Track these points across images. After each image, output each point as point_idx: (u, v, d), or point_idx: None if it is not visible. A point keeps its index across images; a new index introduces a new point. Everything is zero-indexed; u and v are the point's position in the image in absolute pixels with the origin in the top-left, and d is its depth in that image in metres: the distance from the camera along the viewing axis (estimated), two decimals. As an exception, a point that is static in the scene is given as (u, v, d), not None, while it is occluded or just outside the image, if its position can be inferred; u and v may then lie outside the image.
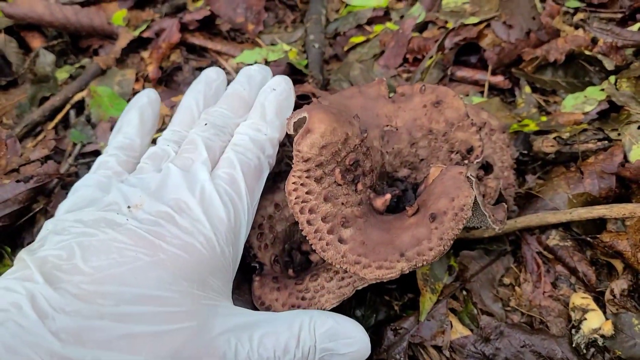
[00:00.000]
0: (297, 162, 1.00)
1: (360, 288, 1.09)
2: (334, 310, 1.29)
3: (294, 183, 1.01)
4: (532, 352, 1.19)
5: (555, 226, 1.37)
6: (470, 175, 1.06)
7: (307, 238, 1.03)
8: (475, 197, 1.03)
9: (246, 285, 1.18)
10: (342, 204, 1.03)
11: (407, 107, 1.26)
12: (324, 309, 1.06)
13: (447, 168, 1.10)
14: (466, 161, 1.23)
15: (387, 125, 1.24)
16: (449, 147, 1.23)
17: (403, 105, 1.26)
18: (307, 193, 1.01)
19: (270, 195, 1.19)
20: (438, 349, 1.22)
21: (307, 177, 1.01)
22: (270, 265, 1.16)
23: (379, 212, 1.11)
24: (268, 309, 1.08)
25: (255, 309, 1.13)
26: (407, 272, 0.99)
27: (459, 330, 1.25)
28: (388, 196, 1.09)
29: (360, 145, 1.04)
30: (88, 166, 1.55)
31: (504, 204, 1.27)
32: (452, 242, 1.00)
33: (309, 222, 1.02)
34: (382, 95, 1.28)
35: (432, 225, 1.00)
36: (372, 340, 1.27)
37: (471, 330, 1.25)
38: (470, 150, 1.22)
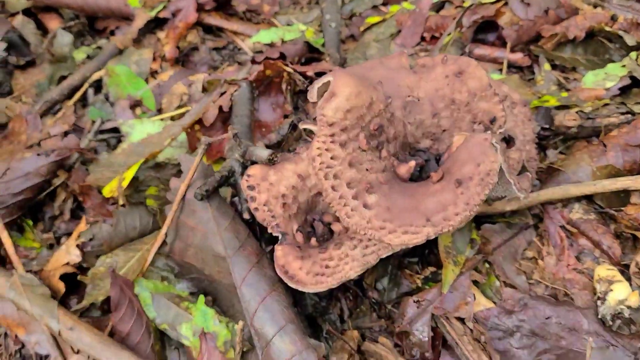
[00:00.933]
0: (321, 126, 1.00)
1: (384, 256, 1.08)
2: (361, 279, 1.29)
3: (318, 148, 1.01)
4: (557, 324, 1.18)
5: (578, 199, 1.35)
6: (496, 141, 1.05)
7: (331, 204, 1.03)
8: (501, 164, 1.02)
9: (266, 259, 1.18)
10: (367, 170, 1.03)
11: (429, 77, 1.25)
12: (348, 277, 1.05)
13: (472, 135, 1.09)
14: (489, 132, 1.22)
15: (409, 96, 1.23)
16: (472, 118, 1.22)
17: (425, 76, 1.25)
18: (331, 158, 1.00)
19: (292, 165, 1.19)
20: (461, 320, 1.21)
21: (331, 142, 1.00)
22: (292, 235, 1.16)
23: (402, 180, 1.10)
24: (292, 277, 1.07)
25: (278, 281, 1.13)
26: (433, 237, 0.98)
27: (482, 303, 1.24)
28: (412, 163, 1.08)
29: (384, 111, 1.03)
30: (107, 143, 1.55)
31: (529, 174, 1.26)
32: (477, 207, 0.99)
33: (333, 188, 1.01)
34: (403, 67, 1.27)
35: (457, 190, 0.99)
36: (394, 313, 1.27)
37: (494, 302, 1.24)
38: (493, 120, 1.20)
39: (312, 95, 1.09)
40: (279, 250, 1.12)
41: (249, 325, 1.07)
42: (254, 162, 1.24)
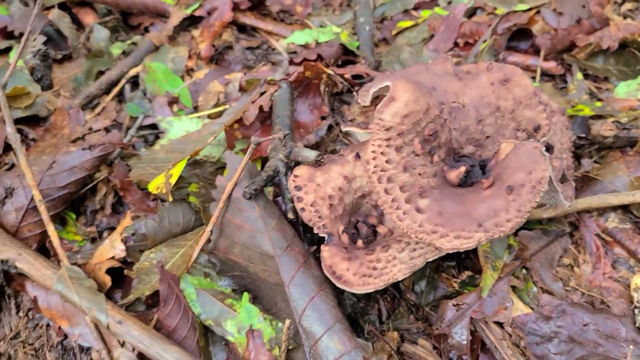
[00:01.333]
0: (378, 130, 1.01)
1: (430, 260, 1.09)
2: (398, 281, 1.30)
3: (373, 152, 1.02)
4: (595, 331, 1.20)
5: (614, 209, 1.37)
6: (544, 151, 1.07)
7: (382, 207, 1.04)
8: (550, 172, 1.04)
9: (312, 259, 1.20)
10: (419, 174, 1.04)
11: (474, 84, 1.26)
12: (395, 279, 1.07)
13: (522, 143, 1.11)
14: (532, 140, 1.23)
15: (455, 102, 1.24)
16: (516, 125, 1.24)
17: (470, 83, 1.27)
18: (386, 162, 1.02)
19: (338, 167, 1.20)
20: (500, 325, 1.23)
21: (387, 146, 1.02)
22: (338, 236, 1.17)
23: (451, 185, 1.11)
24: (339, 278, 1.09)
25: (325, 281, 1.14)
26: (484, 242, 1.00)
27: (519, 308, 1.25)
28: (462, 168, 1.09)
29: (439, 117, 1.05)
30: (145, 139, 1.57)
31: (571, 182, 1.28)
32: (528, 215, 1.01)
33: (386, 191, 1.03)
34: (448, 72, 1.29)
35: (509, 197, 1.01)
36: (432, 316, 1.29)
37: (532, 308, 1.25)
38: (537, 128, 1.22)
39: (365, 98, 1.11)
40: (325, 250, 1.14)
41: (296, 323, 1.09)
42: (297, 163, 1.26)
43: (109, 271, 1.24)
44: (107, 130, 1.42)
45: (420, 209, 1.02)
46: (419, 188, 1.02)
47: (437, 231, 1.00)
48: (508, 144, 1.13)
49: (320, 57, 1.65)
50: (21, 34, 1.68)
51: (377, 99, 1.07)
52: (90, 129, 1.38)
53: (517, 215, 0.99)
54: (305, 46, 1.82)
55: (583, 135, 1.50)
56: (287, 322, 1.08)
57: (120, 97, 1.69)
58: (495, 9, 1.94)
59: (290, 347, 1.09)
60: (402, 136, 1.01)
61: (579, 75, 1.73)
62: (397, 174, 1.02)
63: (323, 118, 1.55)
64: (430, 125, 1.03)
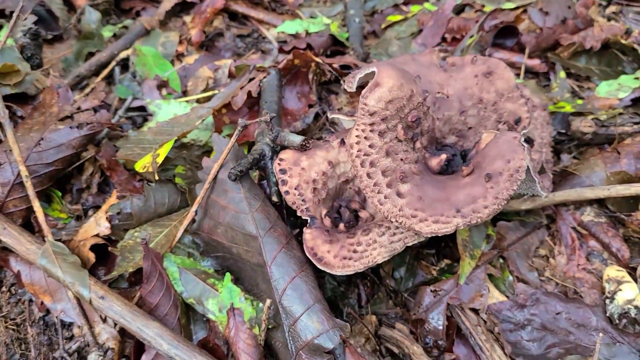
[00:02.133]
0: (362, 115, 1.04)
1: (410, 244, 1.12)
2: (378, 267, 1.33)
3: (357, 136, 1.05)
4: (567, 320, 1.23)
5: (590, 203, 1.41)
6: (523, 141, 1.10)
7: (364, 191, 1.07)
8: (527, 162, 1.07)
9: (294, 241, 1.22)
10: (401, 159, 1.07)
11: (459, 76, 1.29)
12: (375, 262, 1.09)
13: (502, 133, 1.14)
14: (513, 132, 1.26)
15: (439, 93, 1.27)
16: (497, 117, 1.27)
17: (454, 75, 1.30)
18: (369, 146, 1.04)
19: (323, 152, 1.23)
20: (475, 311, 1.26)
21: (370, 131, 1.04)
22: (320, 219, 1.20)
23: (433, 172, 1.14)
24: (320, 260, 1.11)
25: (306, 263, 1.16)
26: (461, 228, 1.02)
27: (495, 296, 1.28)
28: (444, 156, 1.12)
29: (422, 104, 1.08)
30: (133, 121, 1.58)
31: (549, 174, 1.32)
32: (505, 202, 1.04)
33: (368, 175, 1.05)
34: (434, 64, 1.32)
35: (487, 184, 1.04)
36: (410, 302, 1.32)
37: (507, 296, 1.29)
38: (517, 121, 1.25)
39: (351, 85, 1.13)
40: (308, 233, 1.16)
41: (277, 303, 1.11)
42: (283, 147, 1.28)
43: (93, 248, 1.26)
44: (95, 110, 1.42)
45: (401, 194, 1.04)
46: (400, 173, 1.05)
47: (416, 215, 1.03)
48: (489, 133, 1.16)
49: (309, 47, 1.67)
50: (12, 13, 1.68)
51: (362, 86, 1.09)
52: (79, 108, 1.39)
53: (495, 202, 1.02)
54: (295, 36, 1.84)
55: (563, 131, 1.54)
56: (268, 301, 1.11)
57: (109, 79, 1.69)
58: (483, 6, 1.97)
59: (270, 326, 1.12)
60: (385, 121, 1.03)
61: (562, 74, 1.76)
62: (379, 158, 1.04)
63: (310, 106, 1.57)
64: (414, 112, 1.06)
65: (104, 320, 1.19)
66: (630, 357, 1.17)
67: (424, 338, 1.25)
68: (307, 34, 1.82)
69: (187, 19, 1.87)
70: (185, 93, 1.68)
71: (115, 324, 1.18)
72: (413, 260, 1.36)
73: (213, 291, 1.17)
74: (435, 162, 1.12)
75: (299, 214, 1.19)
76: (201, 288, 1.18)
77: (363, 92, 1.02)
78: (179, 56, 1.79)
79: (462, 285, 1.27)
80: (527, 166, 1.06)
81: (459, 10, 1.99)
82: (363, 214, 1.21)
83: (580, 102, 1.64)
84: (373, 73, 1.03)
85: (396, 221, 1.04)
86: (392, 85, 1.01)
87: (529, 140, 1.40)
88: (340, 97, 1.64)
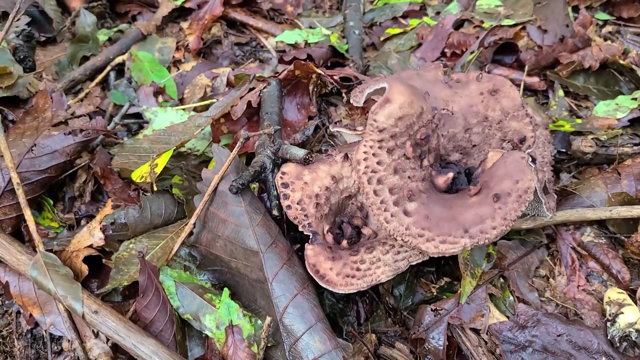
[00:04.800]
0: (370, 131, 1.02)
1: (414, 263, 1.10)
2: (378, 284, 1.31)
3: (365, 152, 1.03)
4: (569, 342, 1.22)
5: (590, 223, 1.40)
6: (531, 162, 1.08)
7: (370, 208, 1.05)
8: (535, 183, 1.06)
9: (296, 257, 1.19)
10: (409, 177, 1.05)
11: (464, 93, 1.28)
12: (379, 281, 1.07)
13: (509, 152, 1.13)
14: (517, 151, 1.25)
15: (444, 109, 1.26)
16: (502, 136, 1.26)
17: (460, 91, 1.28)
18: (377, 163, 1.02)
19: (326, 167, 1.20)
20: (476, 331, 1.24)
21: (379, 148, 1.02)
22: (323, 235, 1.17)
23: (439, 190, 1.12)
24: (322, 277, 1.09)
25: (308, 279, 1.14)
26: (469, 248, 1.01)
27: (496, 316, 1.27)
28: (450, 174, 1.11)
29: (431, 121, 1.06)
30: (128, 128, 1.54)
31: (553, 194, 1.31)
32: (513, 223, 1.02)
33: (375, 193, 1.03)
34: (439, 80, 1.30)
35: (495, 205, 1.03)
36: (409, 320, 1.30)
37: (507, 316, 1.27)
38: (522, 140, 1.24)
39: (358, 99, 1.11)
40: (310, 249, 1.14)
41: (277, 321, 1.08)
42: (285, 160, 1.26)
43: (86, 260, 1.22)
44: (90, 116, 1.39)
45: (408, 212, 1.02)
46: (407, 191, 1.03)
47: (423, 235, 1.01)
48: (496, 152, 1.15)
49: (310, 57, 1.65)
50: (4, 13, 1.64)
51: (368, 101, 1.07)
52: (73, 113, 1.35)
53: (503, 223, 1.01)
54: (295, 46, 1.82)
55: (563, 150, 1.54)
56: (268, 319, 1.07)
57: (104, 85, 1.66)
58: (482, 22, 1.97)
59: (269, 345, 1.09)
60: (394, 138, 1.01)
61: (561, 92, 1.77)
62: (387, 175, 1.02)
63: (310, 118, 1.55)
64: (423, 129, 1.04)
65: (96, 335, 1.15)
66: (632, 381, 1.16)
67: (424, 358, 1.22)
68: (307, 44, 1.80)
69: (185, 25, 1.84)
70: (182, 101, 1.64)
71: (108, 339, 1.14)
72: (413, 278, 1.34)
73: (210, 307, 1.14)
74: (442, 180, 1.10)
75: (300, 229, 1.16)
76: (198, 303, 1.14)
77: (373, 107, 1.00)
78: (176, 63, 1.75)
79: (463, 304, 1.25)
80: (535, 187, 1.05)
81: (457, 25, 1.99)
82: (366, 231, 1.19)
83: (579, 121, 1.64)
84: (383, 89, 1.01)
85: (402, 240, 1.02)
86: (403, 102, 0.99)
87: (533, 159, 1.39)
88: (339, 110, 1.62)
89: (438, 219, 1.03)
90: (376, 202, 1.03)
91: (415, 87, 1.04)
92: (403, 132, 1.02)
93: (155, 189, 1.20)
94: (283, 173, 1.19)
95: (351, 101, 1.13)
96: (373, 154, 1.02)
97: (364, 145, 1.02)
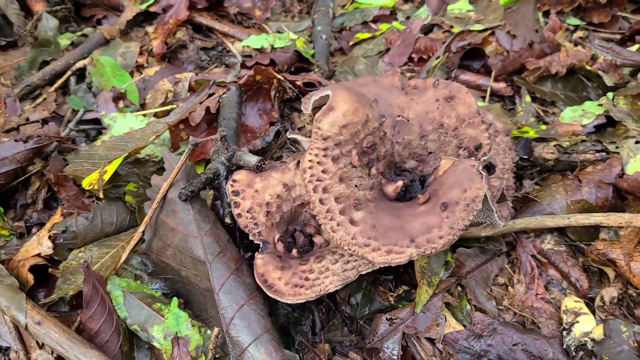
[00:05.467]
0: (315, 139, 1.00)
1: (364, 272, 1.09)
2: (335, 292, 1.29)
3: (310, 161, 1.01)
4: (524, 351, 1.21)
5: (550, 231, 1.39)
6: (482, 170, 1.07)
7: (317, 217, 1.03)
8: (485, 192, 1.05)
9: (245, 267, 1.17)
10: (356, 186, 1.04)
11: (420, 99, 1.27)
12: (327, 291, 1.05)
13: (460, 160, 1.11)
14: (473, 158, 1.24)
15: (399, 116, 1.25)
16: (458, 143, 1.24)
17: (416, 98, 1.27)
18: (322, 172, 1.01)
19: (278, 174, 1.19)
20: (431, 341, 1.23)
21: (324, 156, 1.00)
22: (273, 244, 1.15)
23: (389, 199, 1.11)
24: (270, 287, 1.07)
25: (256, 289, 1.12)
26: (415, 258, 0.99)
27: (452, 325, 1.25)
28: (400, 183, 1.09)
29: (378, 129, 1.04)
30: (85, 134, 1.52)
31: (508, 202, 1.30)
32: (460, 232, 1.01)
33: (321, 202, 1.02)
34: (395, 86, 1.29)
35: (443, 214, 1.01)
36: (365, 329, 1.28)
37: (464, 325, 1.26)
38: (478, 147, 1.23)
39: (306, 107, 1.10)
40: (259, 258, 1.12)
41: (224, 332, 1.06)
42: (239, 167, 1.24)
43: (34, 269, 1.19)
44: (44, 122, 1.36)
45: (354, 221, 1.01)
46: (354, 200, 1.01)
47: (369, 244, 0.99)
48: (447, 160, 1.14)
49: (273, 62, 1.64)
50: (-37, 17, 1.61)
51: (318, 108, 1.06)
52: (27, 119, 1.33)
53: (450, 233, 0.99)
54: (261, 50, 1.81)
55: (526, 157, 1.53)
56: (216, 330, 1.05)
57: (64, 90, 1.63)
58: (451, 27, 1.96)
59: (217, 356, 1.07)
60: (339, 146, 1.00)
61: (527, 98, 1.76)
62: (332, 184, 1.01)
63: (272, 124, 1.53)
64: (369, 137, 1.02)
65: (41, 347, 1.13)
66: (586, 391, 1.15)
67: (379, 368, 1.21)
68: (273, 49, 1.79)
69: (150, 29, 1.82)
70: (143, 106, 1.62)
71: (52, 351, 1.12)
72: (370, 286, 1.32)
73: (159, 317, 1.12)
74: (392, 188, 1.09)
75: (251, 237, 1.15)
76: (146, 313, 1.12)
77: (317, 115, 0.98)
78: (139, 67, 1.73)
79: (418, 313, 1.24)
80: (485, 195, 1.04)
81: (427, 30, 1.98)
82: (317, 239, 1.17)
83: (544, 127, 1.63)
84: (328, 96, 1.00)
85: (349, 249, 1.00)
86: (347, 110, 0.97)
87: (490, 167, 1.38)
88: (303, 115, 1.60)
89: (385, 228, 1.01)
90: (322, 211, 1.01)
91: (362, 94, 1.03)
92: (348, 140, 1.00)
93: (102, 196, 1.18)
94: (234, 181, 1.17)
95: (302, 108, 1.11)
96: (318, 162, 1.00)
97: (309, 154, 1.00)
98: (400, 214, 1.05)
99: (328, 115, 0.97)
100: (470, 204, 1.01)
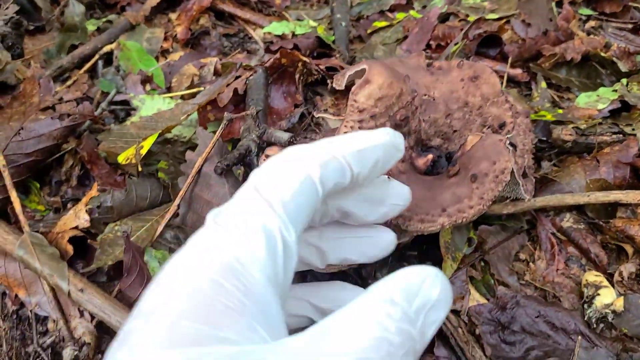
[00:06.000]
0: (351, 112, 1.04)
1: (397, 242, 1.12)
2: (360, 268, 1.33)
3: (345, 132, 1.05)
4: (546, 323, 1.24)
5: (569, 209, 1.43)
6: (509, 144, 1.11)
7: (351, 188, 1.07)
8: (512, 165, 1.08)
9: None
10: (389, 158, 1.07)
11: (445, 79, 1.31)
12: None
13: (488, 135, 1.15)
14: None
15: (425, 95, 1.28)
16: (482, 121, 1.28)
17: (441, 78, 1.31)
18: (357, 143, 1.04)
19: (309, 150, 1.22)
20: (456, 313, 1.26)
21: (359, 128, 1.04)
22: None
23: (419, 172, 1.15)
24: (304, 256, 1.11)
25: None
26: (447, 227, 1.03)
27: (476, 298, 1.29)
28: (430, 156, 1.13)
29: (410, 103, 1.08)
30: (115, 115, 1.56)
31: (531, 178, 1.33)
32: (490, 203, 1.05)
33: (356, 173, 1.05)
34: (421, 67, 1.33)
35: (473, 185, 1.05)
36: (391, 303, 1.32)
37: (487, 299, 1.29)
38: (502, 125, 1.27)
39: (340, 83, 1.13)
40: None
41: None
42: (270, 144, 1.28)
43: (72, 241, 1.23)
44: (77, 101, 1.40)
45: (388, 192, 1.04)
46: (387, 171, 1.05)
47: (402, 214, 1.03)
48: (474, 136, 1.17)
49: (296, 47, 1.68)
50: (-7, 1, 1.65)
51: (349, 86, 1.09)
52: (61, 99, 1.36)
53: (480, 203, 1.03)
54: (282, 37, 1.84)
55: (544, 138, 1.56)
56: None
57: (92, 74, 1.67)
58: (467, 15, 2.00)
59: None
60: (374, 119, 1.03)
61: (543, 84, 1.80)
62: (367, 155, 1.04)
63: (296, 106, 1.57)
64: (402, 110, 1.06)
65: (81, 315, 1.16)
66: (607, 361, 1.18)
67: (405, 339, 1.24)
68: (294, 35, 1.83)
69: (173, 16, 1.86)
70: (169, 89, 1.66)
71: (92, 319, 1.15)
72: (396, 262, 1.36)
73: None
74: (422, 161, 1.13)
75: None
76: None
77: (353, 88, 1.02)
78: (164, 52, 1.77)
79: (443, 287, 1.27)
80: (512, 168, 1.08)
81: (443, 18, 2.02)
82: (348, 213, 1.20)
83: (560, 111, 1.67)
84: (363, 71, 1.03)
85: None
86: (382, 83, 1.01)
87: (513, 145, 1.42)
88: (325, 99, 1.64)
89: (417, 199, 1.05)
90: (357, 182, 1.04)
91: (395, 70, 1.07)
92: (383, 113, 1.04)
93: (140, 169, 1.21)
94: (267, 155, 1.20)
95: (334, 85, 1.15)
96: (353, 134, 1.04)
97: (345, 126, 1.04)
98: (431, 186, 1.09)
99: (364, 88, 1.01)
100: (499, 175, 1.05)
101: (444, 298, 0.63)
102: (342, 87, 1.11)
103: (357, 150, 0.72)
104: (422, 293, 0.61)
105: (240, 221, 0.62)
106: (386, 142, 0.76)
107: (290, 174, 0.66)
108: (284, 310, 0.63)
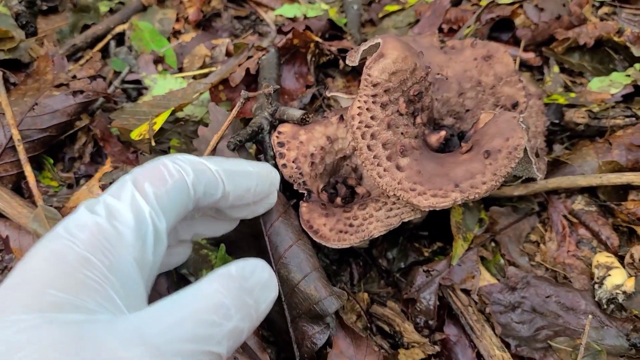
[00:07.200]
0: (365, 86, 1.04)
1: (406, 220, 1.12)
2: (371, 247, 1.34)
3: (359, 107, 1.05)
4: (557, 303, 1.24)
5: (580, 192, 1.43)
6: (522, 121, 1.11)
7: (363, 164, 1.07)
8: (525, 143, 1.08)
9: (292, 210, 1.21)
10: (402, 133, 1.07)
11: (458, 58, 1.30)
12: (371, 236, 1.09)
13: (501, 112, 1.15)
14: (510, 115, 1.28)
15: (438, 74, 1.28)
16: (495, 101, 1.28)
17: (454, 57, 1.31)
18: (371, 118, 1.04)
19: (322, 127, 1.23)
20: (467, 292, 1.27)
21: (373, 103, 1.04)
22: (317, 193, 1.19)
23: (431, 149, 1.15)
24: (316, 232, 1.11)
25: (303, 232, 1.16)
26: (460, 202, 1.03)
27: (486, 278, 1.29)
28: (443, 132, 1.13)
29: (424, 79, 1.08)
30: (127, 94, 1.56)
31: (544, 158, 1.33)
32: (503, 179, 1.04)
33: (369, 147, 1.05)
34: (434, 46, 1.33)
35: (486, 161, 1.05)
36: (401, 282, 1.32)
37: (498, 279, 1.30)
38: (515, 105, 1.27)
39: (353, 58, 1.13)
40: (304, 206, 1.16)
41: (274, 270, 1.10)
42: (282, 121, 1.28)
43: (85, 216, 1.24)
44: (90, 79, 1.41)
45: (401, 167, 1.04)
46: (400, 146, 1.05)
47: (415, 189, 1.03)
48: (487, 113, 1.17)
49: (308, 29, 1.67)
50: (7, -19, 1.65)
51: (362, 64, 1.09)
52: (74, 76, 1.37)
53: (493, 179, 1.03)
54: (293, 19, 1.84)
55: (556, 121, 1.56)
56: (263, 272, 1.10)
57: (104, 53, 1.68)
58: (479, 0, 1.99)
59: (264, 297, 1.11)
60: (388, 93, 1.03)
61: (556, 68, 1.79)
62: (380, 131, 1.04)
63: (308, 87, 1.57)
64: (416, 85, 1.06)
65: (94, 288, 1.17)
66: (618, 341, 1.18)
67: (415, 318, 1.25)
68: (305, 17, 1.82)
69: (185, -3, 1.87)
70: (181, 70, 1.66)
71: (106, 292, 1.16)
72: (406, 242, 1.37)
73: (207, 262, 1.16)
74: (435, 138, 1.13)
75: (295, 187, 1.19)
76: (194, 258, 1.17)
77: (367, 62, 1.02)
78: (176, 34, 1.78)
79: (454, 266, 1.28)
80: (525, 146, 1.07)
81: (456, 2, 2.01)
82: (360, 190, 1.21)
83: (573, 95, 1.66)
84: (377, 45, 1.03)
85: (394, 195, 1.04)
86: (397, 57, 1.01)
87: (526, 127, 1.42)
88: (336, 81, 1.64)
89: (430, 174, 1.05)
90: (369, 157, 1.05)
91: (409, 45, 1.06)
92: (396, 88, 1.04)
93: (153, 144, 1.22)
94: (279, 132, 1.21)
95: (347, 61, 1.15)
96: (367, 109, 1.04)
97: (358, 101, 1.04)
98: (444, 162, 1.09)
99: (378, 62, 1.01)
100: (512, 151, 1.05)
101: (273, 282, 0.79)
102: (356, 63, 1.11)
103: (230, 170, 0.86)
104: (256, 273, 0.76)
105: (113, 208, 0.71)
106: (259, 172, 0.94)
107: (166, 173, 0.77)
108: (147, 287, 0.75)
